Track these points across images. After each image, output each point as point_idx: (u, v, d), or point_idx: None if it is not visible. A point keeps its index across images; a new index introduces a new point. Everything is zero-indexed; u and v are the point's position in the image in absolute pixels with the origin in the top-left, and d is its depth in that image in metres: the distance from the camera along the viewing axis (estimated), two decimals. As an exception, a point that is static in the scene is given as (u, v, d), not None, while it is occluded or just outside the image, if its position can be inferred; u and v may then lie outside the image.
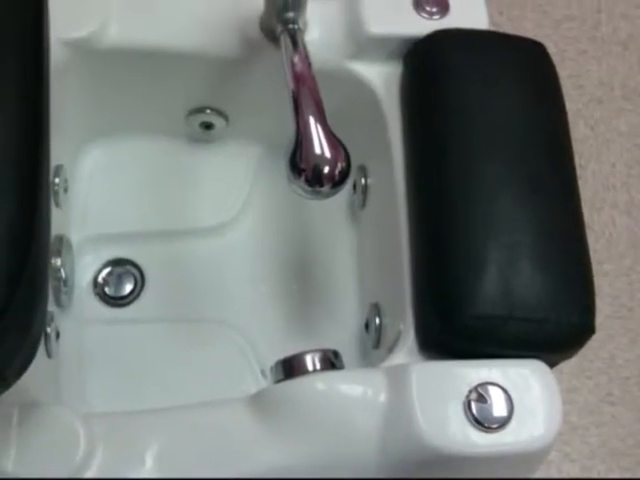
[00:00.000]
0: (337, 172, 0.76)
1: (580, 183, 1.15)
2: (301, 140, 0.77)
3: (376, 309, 0.92)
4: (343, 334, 0.98)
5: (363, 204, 1.00)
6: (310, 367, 0.79)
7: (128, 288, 1.00)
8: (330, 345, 0.94)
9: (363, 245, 1.01)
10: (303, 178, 0.76)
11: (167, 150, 1.04)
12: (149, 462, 0.76)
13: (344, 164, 0.77)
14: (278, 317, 1.00)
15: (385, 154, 0.90)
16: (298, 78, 0.82)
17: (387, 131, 0.90)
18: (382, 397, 0.76)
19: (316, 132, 0.77)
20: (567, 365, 1.15)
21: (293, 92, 0.80)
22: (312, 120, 0.78)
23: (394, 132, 0.89)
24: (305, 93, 0.80)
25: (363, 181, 0.98)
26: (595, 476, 1.09)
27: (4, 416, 0.76)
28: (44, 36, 0.75)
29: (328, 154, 0.76)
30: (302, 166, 0.76)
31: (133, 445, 0.77)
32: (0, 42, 0.70)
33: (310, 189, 0.77)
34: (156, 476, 0.76)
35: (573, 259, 0.81)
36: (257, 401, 0.78)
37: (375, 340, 0.91)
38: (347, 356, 0.93)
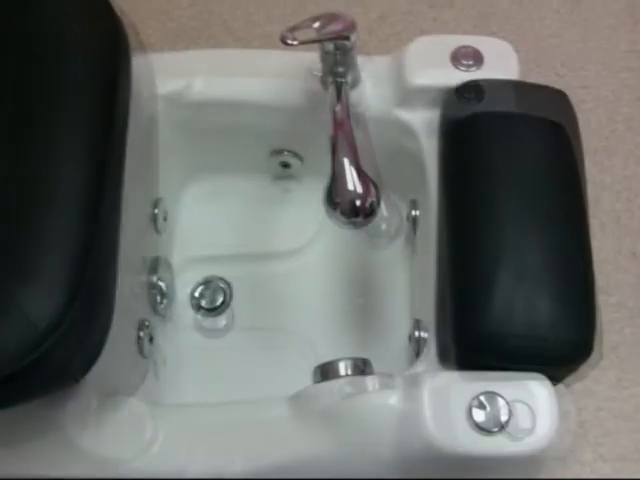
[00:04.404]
0: (368, 205, 0.77)
1: (627, 215, 1.12)
2: (337, 178, 0.79)
3: (417, 324, 0.92)
4: (394, 344, 0.98)
5: (414, 233, 0.99)
6: (342, 372, 0.80)
7: (219, 301, 1.03)
8: (382, 353, 0.96)
9: (413, 268, 1.01)
10: (339, 211, 0.78)
11: (253, 186, 1.07)
12: (201, 446, 0.79)
13: (374, 198, 0.78)
14: (342, 328, 1.01)
15: (427, 189, 0.90)
16: (338, 125, 0.83)
17: (426, 169, 0.90)
18: (398, 401, 0.76)
19: (349, 171, 0.78)
20: (605, 377, 1.12)
21: (332, 137, 0.82)
22: (346, 161, 0.79)
23: (431, 170, 0.89)
24: (342, 138, 0.81)
25: (413, 213, 0.98)
26: (624, 477, 1.05)
27: (85, 403, 0.79)
28: (119, 92, 0.78)
29: (360, 190, 0.77)
30: (337, 200, 0.78)
31: (190, 431, 0.80)
32: (81, 101, 0.75)
33: (346, 220, 0.78)
34: (206, 457, 0.79)
35: (577, 285, 0.78)
36: (296, 399, 0.80)
37: (416, 350, 0.91)
38: (397, 362, 0.95)
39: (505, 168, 0.82)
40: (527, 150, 0.83)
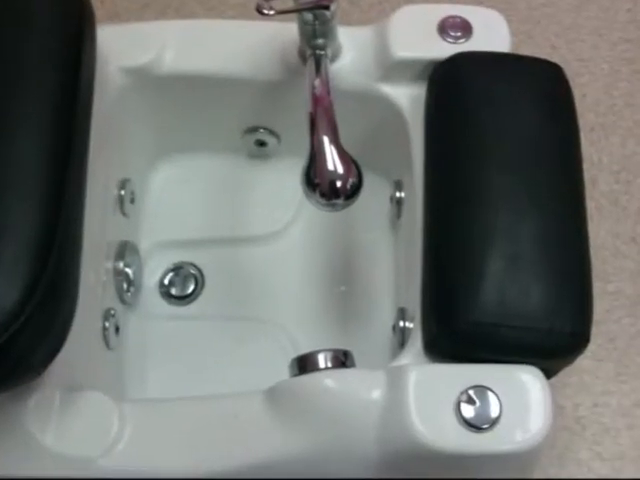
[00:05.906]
0: (349, 186, 0.76)
1: (626, 197, 1.10)
2: (316, 157, 0.77)
3: (402, 313, 0.90)
4: (377, 334, 0.96)
5: (398, 216, 0.98)
6: (322, 365, 0.78)
7: (190, 288, 1.01)
8: (364, 344, 0.94)
9: (399, 253, 0.99)
10: (318, 192, 0.76)
11: (227, 166, 1.05)
12: (171, 443, 0.78)
13: (355, 179, 0.76)
14: (320, 317, 1.00)
15: (412, 169, 0.88)
16: (316, 100, 0.81)
17: (411, 148, 0.88)
18: (381, 395, 0.75)
19: (329, 150, 0.76)
20: (603, 370, 1.11)
21: (311, 113, 0.80)
22: (326, 139, 0.77)
23: (417, 149, 0.87)
24: (321, 115, 0.79)
25: (398, 194, 0.97)
26: (623, 477, 1.04)
27: (48, 398, 0.77)
28: (83, 67, 0.76)
29: (340, 170, 0.76)
30: (317, 181, 0.76)
31: (158, 428, 0.79)
32: (39, 77, 0.73)
33: (326, 202, 0.76)
34: (176, 454, 0.77)
35: (572, 272, 0.76)
36: (272, 393, 0.78)
37: (400, 341, 0.89)
38: (380, 354, 0.93)
39: (497, 134, 0.81)
40: (520, 105, 0.82)
